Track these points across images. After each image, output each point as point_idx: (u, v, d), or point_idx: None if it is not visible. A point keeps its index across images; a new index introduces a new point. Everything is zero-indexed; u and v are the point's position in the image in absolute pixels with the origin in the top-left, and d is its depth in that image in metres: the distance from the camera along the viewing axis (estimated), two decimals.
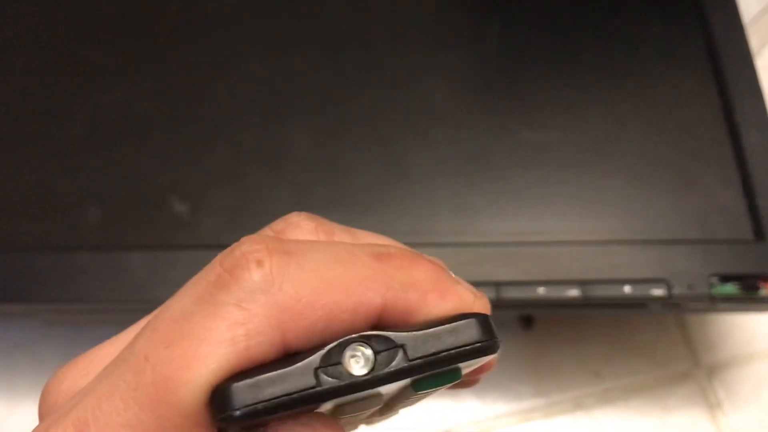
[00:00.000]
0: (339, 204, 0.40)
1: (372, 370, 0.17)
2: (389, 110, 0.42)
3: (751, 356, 0.45)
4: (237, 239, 0.17)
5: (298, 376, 0.16)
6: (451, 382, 0.18)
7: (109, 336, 0.21)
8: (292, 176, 0.40)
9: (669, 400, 0.44)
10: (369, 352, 0.17)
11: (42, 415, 0.19)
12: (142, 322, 0.19)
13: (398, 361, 0.17)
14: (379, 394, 0.18)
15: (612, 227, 0.39)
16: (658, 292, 0.37)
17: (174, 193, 0.39)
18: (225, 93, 0.42)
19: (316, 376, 0.16)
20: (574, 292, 0.37)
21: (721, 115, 0.42)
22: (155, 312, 0.18)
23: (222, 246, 0.18)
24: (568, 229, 0.39)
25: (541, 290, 0.37)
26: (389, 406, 0.20)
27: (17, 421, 0.44)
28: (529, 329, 0.44)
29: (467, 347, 0.17)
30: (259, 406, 0.16)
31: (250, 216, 0.39)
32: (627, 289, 0.37)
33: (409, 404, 0.21)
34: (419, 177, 0.40)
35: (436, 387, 0.18)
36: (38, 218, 0.40)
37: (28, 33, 0.46)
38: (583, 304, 0.37)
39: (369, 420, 0.22)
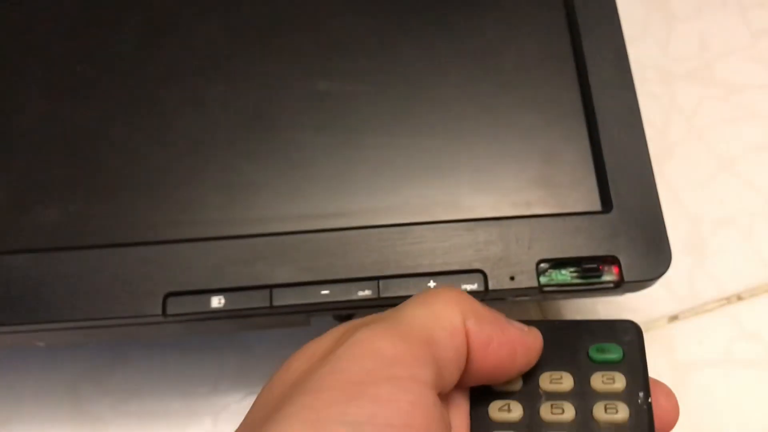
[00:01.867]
0: (77, 191, 0.31)
1: None
2: (147, 61, 0.33)
3: None
4: None
5: None
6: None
7: None
8: (18, 161, 0.31)
9: None
10: None
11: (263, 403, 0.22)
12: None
13: None
14: None
15: (418, 205, 0.31)
16: (470, 286, 0.29)
17: None
18: None
19: None
20: (366, 293, 0.29)
21: (570, 53, 0.33)
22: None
23: None
24: (364, 210, 0.31)
25: (324, 292, 0.29)
26: None
27: None
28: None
29: None
30: None
31: None
32: (432, 284, 0.29)
33: None
34: (182, 149, 0.32)
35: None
36: None
37: None
38: (381, 305, 0.30)
39: None
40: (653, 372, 0.38)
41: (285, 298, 0.29)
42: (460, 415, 0.24)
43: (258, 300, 0.29)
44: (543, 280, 0.29)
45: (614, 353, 0.25)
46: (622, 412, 0.24)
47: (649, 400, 0.25)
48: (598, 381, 0.25)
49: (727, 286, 0.40)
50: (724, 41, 0.46)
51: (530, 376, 0.25)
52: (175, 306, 0.29)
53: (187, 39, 0.34)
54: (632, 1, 0.47)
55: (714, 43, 0.46)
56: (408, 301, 0.24)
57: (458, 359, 0.23)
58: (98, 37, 0.34)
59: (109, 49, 0.33)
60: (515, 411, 0.24)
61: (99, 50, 0.33)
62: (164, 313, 0.29)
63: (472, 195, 0.31)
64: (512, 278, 0.29)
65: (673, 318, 0.39)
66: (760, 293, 0.40)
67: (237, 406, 0.37)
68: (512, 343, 0.24)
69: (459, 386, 0.24)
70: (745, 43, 0.46)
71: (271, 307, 0.29)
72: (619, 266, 0.29)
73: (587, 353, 0.26)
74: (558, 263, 0.30)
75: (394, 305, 0.30)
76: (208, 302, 0.29)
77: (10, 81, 0.33)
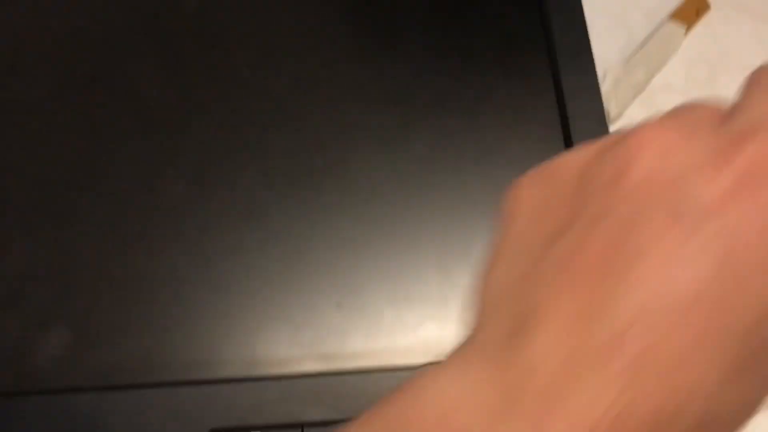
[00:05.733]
0: (132, 334, 0.35)
1: None
2: (193, 208, 0.37)
3: None
4: None
5: None
6: None
7: None
8: (77, 307, 0.35)
9: None
10: None
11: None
12: None
13: None
14: None
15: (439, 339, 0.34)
16: None
17: None
18: None
19: None
20: None
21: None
22: None
23: None
24: (389, 350, 0.34)
25: None
26: None
27: None
28: None
29: None
30: None
31: None
32: None
33: None
34: (213, 289, 0.35)
35: None
36: None
37: None
38: None
39: None
40: None
41: None
42: None
43: None
44: None
45: None
46: None
47: None
48: None
49: None
50: None
51: None
52: None
53: (228, 189, 0.37)
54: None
55: None
56: None
57: None
58: (149, 186, 0.38)
59: (158, 197, 0.37)
60: None
61: (150, 198, 0.38)
62: None
63: None
64: None
65: None
66: None
67: None
68: None
69: None
70: None
71: None
72: None
73: None
74: None
75: None
76: None
77: (69, 238, 0.37)
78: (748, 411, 0.15)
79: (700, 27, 0.46)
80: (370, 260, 0.36)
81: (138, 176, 0.38)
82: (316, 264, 0.36)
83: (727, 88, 0.50)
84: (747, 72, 0.18)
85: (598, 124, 0.37)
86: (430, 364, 0.17)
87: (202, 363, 0.34)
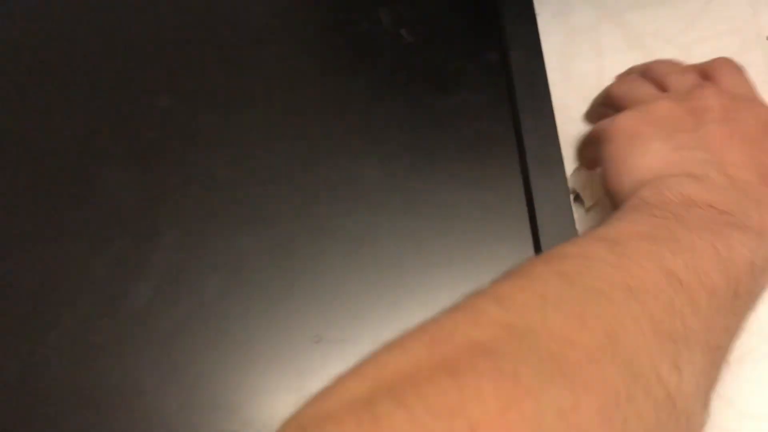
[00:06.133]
0: None
1: None
2: (161, 312, 0.37)
3: None
4: None
5: None
6: None
7: None
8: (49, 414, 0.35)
9: None
10: None
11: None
12: None
13: None
14: None
15: None
16: None
17: None
18: None
19: None
20: None
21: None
22: None
23: None
24: None
25: None
26: None
27: None
28: None
29: None
30: None
31: None
32: None
33: None
34: (179, 403, 0.35)
35: None
36: None
37: None
38: None
39: None
40: None
41: None
42: None
43: None
44: None
45: None
46: None
47: None
48: None
49: None
50: None
51: None
52: None
53: (195, 295, 0.37)
54: None
55: None
56: None
57: None
58: (117, 293, 0.38)
59: (125, 304, 0.37)
60: None
61: (116, 305, 0.37)
62: None
63: None
64: None
65: None
66: None
67: None
68: None
69: None
70: None
71: None
72: None
73: None
74: None
75: None
76: None
77: (34, 348, 0.37)
78: None
79: None
80: (337, 368, 0.35)
81: (105, 283, 0.38)
82: (284, 373, 0.35)
83: None
84: None
85: (567, 227, 0.36)
86: None
87: None
